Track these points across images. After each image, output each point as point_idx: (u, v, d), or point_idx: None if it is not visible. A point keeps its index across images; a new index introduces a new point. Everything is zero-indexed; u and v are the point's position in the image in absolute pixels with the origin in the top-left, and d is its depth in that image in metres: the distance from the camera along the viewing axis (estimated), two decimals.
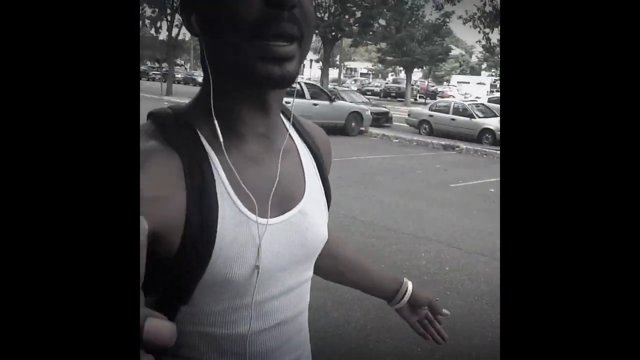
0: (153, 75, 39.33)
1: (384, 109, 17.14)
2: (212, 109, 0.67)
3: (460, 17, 24.56)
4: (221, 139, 0.66)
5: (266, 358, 0.75)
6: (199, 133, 0.68)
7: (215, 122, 0.66)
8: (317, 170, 0.82)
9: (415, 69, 31.83)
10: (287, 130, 0.79)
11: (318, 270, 0.93)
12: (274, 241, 0.71)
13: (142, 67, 41.58)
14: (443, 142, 12.62)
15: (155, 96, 21.63)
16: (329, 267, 1.02)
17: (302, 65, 0.68)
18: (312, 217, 0.78)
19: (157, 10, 25.83)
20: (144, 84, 32.58)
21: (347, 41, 32.75)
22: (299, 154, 0.79)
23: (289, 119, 0.81)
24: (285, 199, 0.74)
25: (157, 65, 36.64)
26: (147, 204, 0.60)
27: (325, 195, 0.83)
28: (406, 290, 1.04)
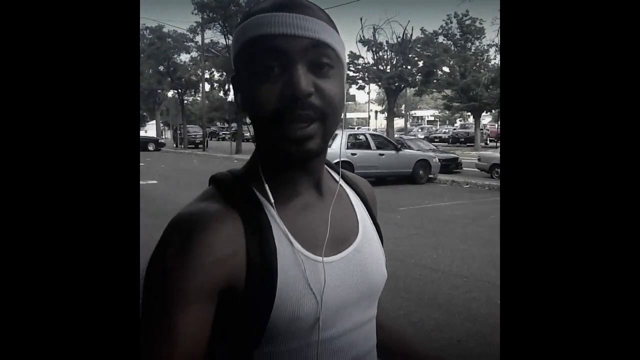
0: (223, 135, 41.20)
1: (453, 155, 16.89)
2: (262, 174, 0.76)
3: None
4: (270, 197, 0.74)
5: None
6: (254, 190, 0.76)
7: (266, 185, 0.75)
8: (367, 212, 0.88)
9: (484, 113, 31.32)
10: (335, 180, 0.87)
11: None
12: (334, 278, 0.76)
13: (213, 128, 43.66)
14: None
15: (225, 155, 22.63)
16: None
17: (331, 136, 0.75)
18: (369, 254, 0.83)
19: (224, 73, 27.31)
20: (214, 144, 34.17)
21: (411, 90, 32.98)
22: (349, 198, 0.87)
23: (336, 171, 0.89)
24: (340, 240, 0.80)
25: (226, 125, 38.53)
26: (215, 264, 0.67)
27: (378, 235, 0.89)
28: None
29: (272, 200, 0.74)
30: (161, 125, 46.08)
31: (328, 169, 0.88)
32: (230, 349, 0.73)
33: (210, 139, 32.26)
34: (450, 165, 15.63)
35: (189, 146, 30.23)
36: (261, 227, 0.72)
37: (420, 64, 26.96)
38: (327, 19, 0.73)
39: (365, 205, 0.89)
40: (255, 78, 0.70)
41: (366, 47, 27.35)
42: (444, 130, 42.42)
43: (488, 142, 35.21)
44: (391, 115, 27.56)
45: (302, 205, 0.78)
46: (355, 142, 12.70)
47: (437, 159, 14.10)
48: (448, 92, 29.38)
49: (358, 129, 35.25)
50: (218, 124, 43.95)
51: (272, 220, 0.74)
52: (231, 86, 0.80)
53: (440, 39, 27.87)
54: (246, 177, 0.78)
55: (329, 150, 0.82)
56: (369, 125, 51.66)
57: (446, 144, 34.16)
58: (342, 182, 0.88)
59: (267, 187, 0.75)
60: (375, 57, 27.52)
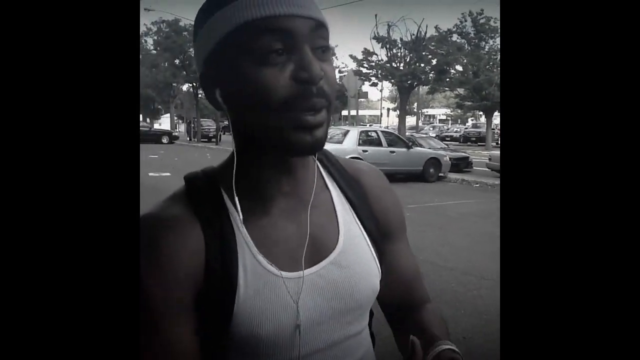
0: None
1: (464, 154, 16.86)
2: (234, 181, 0.70)
3: None
4: (239, 210, 0.69)
5: None
6: (223, 194, 0.71)
7: (236, 196, 0.69)
8: (356, 219, 0.79)
9: (496, 113, 31.05)
10: (324, 181, 0.80)
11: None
12: (303, 295, 0.70)
13: (226, 122, 41.95)
14: None
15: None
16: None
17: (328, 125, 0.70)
18: (350, 267, 0.75)
19: None
20: (227, 138, 33.97)
21: (424, 88, 32.80)
22: (333, 204, 0.78)
23: (327, 169, 0.82)
24: (315, 252, 0.73)
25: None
26: (172, 272, 0.65)
27: (374, 244, 0.80)
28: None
29: (239, 208, 0.69)
30: (175, 118, 46.26)
31: (320, 167, 0.80)
32: None
33: (224, 133, 32.44)
34: (461, 164, 15.59)
35: (202, 140, 30.34)
36: (222, 235, 0.68)
37: (434, 62, 26.79)
38: None
39: (355, 210, 0.79)
40: (256, 64, 0.62)
41: (380, 44, 27.27)
42: (455, 129, 42.10)
43: (499, 142, 34.77)
44: (403, 113, 27.44)
45: (275, 215, 0.72)
46: (367, 139, 12.72)
47: (447, 157, 14.09)
48: (460, 90, 29.15)
49: (370, 126, 35.14)
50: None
51: (236, 230, 0.69)
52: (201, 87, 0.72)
53: (454, 37, 27.67)
54: (218, 179, 0.73)
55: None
56: (380, 123, 51.46)
57: (457, 142, 33.96)
58: (330, 184, 0.80)
59: (236, 200, 0.69)
60: (389, 54, 27.40)
